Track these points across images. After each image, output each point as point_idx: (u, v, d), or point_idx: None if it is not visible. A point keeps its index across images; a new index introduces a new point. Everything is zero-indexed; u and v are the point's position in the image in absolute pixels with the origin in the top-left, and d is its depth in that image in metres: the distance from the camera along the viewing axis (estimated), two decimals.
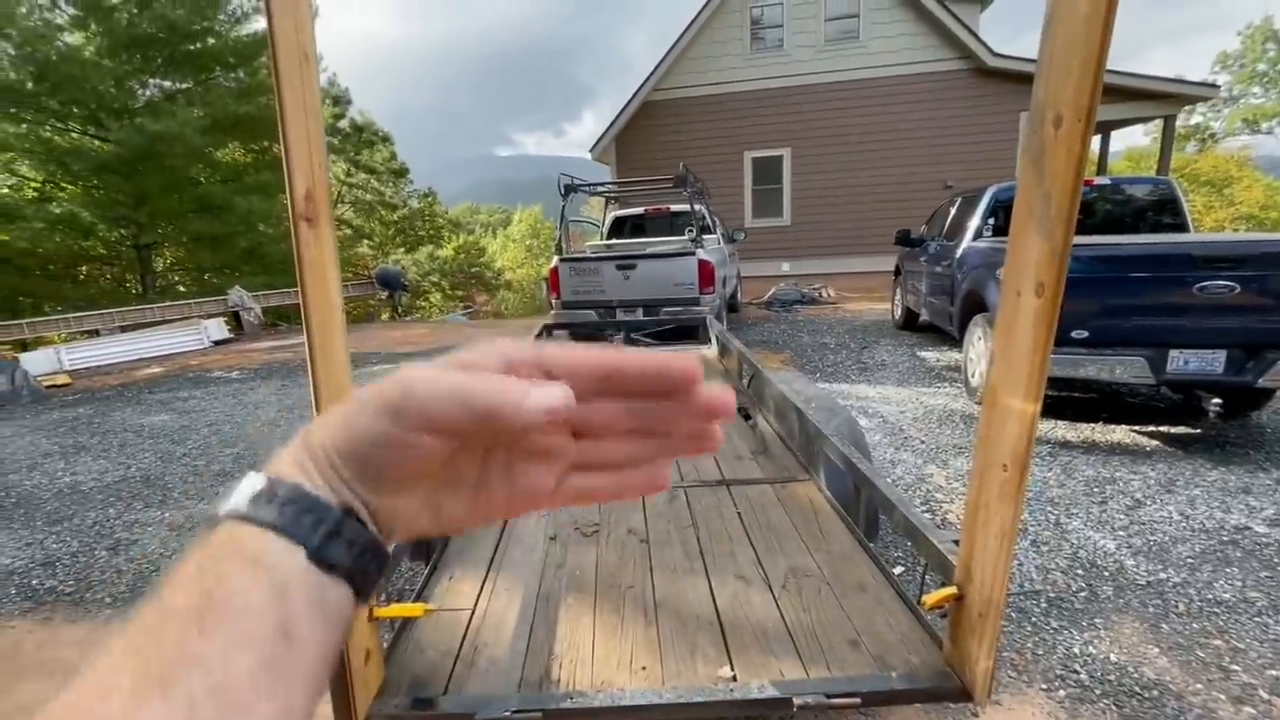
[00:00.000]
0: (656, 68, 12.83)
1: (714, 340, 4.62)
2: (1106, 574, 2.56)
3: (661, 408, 0.27)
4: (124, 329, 11.04)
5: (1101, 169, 13.01)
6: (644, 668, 1.31)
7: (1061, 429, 4.24)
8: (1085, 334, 3.76)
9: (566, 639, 1.42)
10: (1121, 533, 2.88)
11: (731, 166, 13.03)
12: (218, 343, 11.13)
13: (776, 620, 1.45)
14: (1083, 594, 2.44)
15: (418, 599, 1.59)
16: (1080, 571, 2.59)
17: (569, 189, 7.25)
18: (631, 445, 0.28)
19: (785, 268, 12.97)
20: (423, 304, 24.06)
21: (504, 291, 28.36)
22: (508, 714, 1.15)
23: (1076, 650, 2.13)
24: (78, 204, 12.83)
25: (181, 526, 3.50)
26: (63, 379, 8.14)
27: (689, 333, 5.64)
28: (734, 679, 1.27)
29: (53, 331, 11.15)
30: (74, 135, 12.85)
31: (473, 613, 1.54)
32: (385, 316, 18.04)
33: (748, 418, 2.99)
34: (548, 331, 5.08)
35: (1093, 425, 4.29)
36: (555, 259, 6.95)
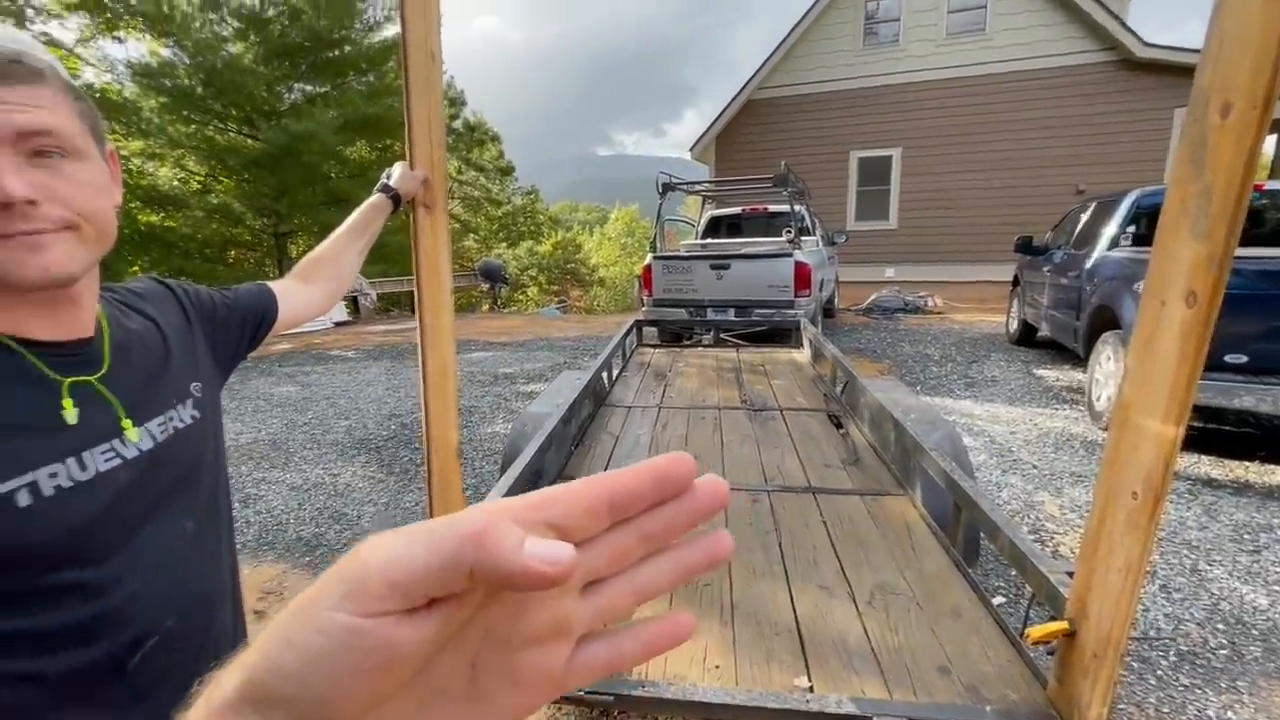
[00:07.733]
0: (762, 66, 12.60)
1: (807, 344, 4.48)
2: (1255, 633, 2.24)
3: (662, 514, 0.22)
4: None
5: (1275, 174, 11.36)
6: (717, 666, 1.30)
7: (1205, 465, 3.76)
8: (1243, 359, 3.31)
9: None
10: (1278, 589, 2.51)
11: (836, 167, 12.58)
12: (338, 324, 12.20)
13: (859, 635, 1.39)
14: (1223, 651, 2.15)
15: None
16: (1221, 626, 2.28)
17: (667, 187, 7.29)
18: (642, 579, 0.23)
19: (889, 273, 12.34)
20: (520, 297, 25.06)
21: (597, 288, 28.97)
22: (581, 693, 1.17)
23: (1212, 713, 1.88)
24: (231, 195, 14.46)
25: (300, 488, 3.86)
26: None
27: (781, 335, 5.50)
28: (810, 689, 1.22)
29: None
30: (231, 135, 14.49)
31: None
32: (485, 308, 18.97)
33: (839, 426, 2.88)
34: (638, 327, 5.12)
35: (1246, 464, 3.76)
36: (649, 256, 7.01)
